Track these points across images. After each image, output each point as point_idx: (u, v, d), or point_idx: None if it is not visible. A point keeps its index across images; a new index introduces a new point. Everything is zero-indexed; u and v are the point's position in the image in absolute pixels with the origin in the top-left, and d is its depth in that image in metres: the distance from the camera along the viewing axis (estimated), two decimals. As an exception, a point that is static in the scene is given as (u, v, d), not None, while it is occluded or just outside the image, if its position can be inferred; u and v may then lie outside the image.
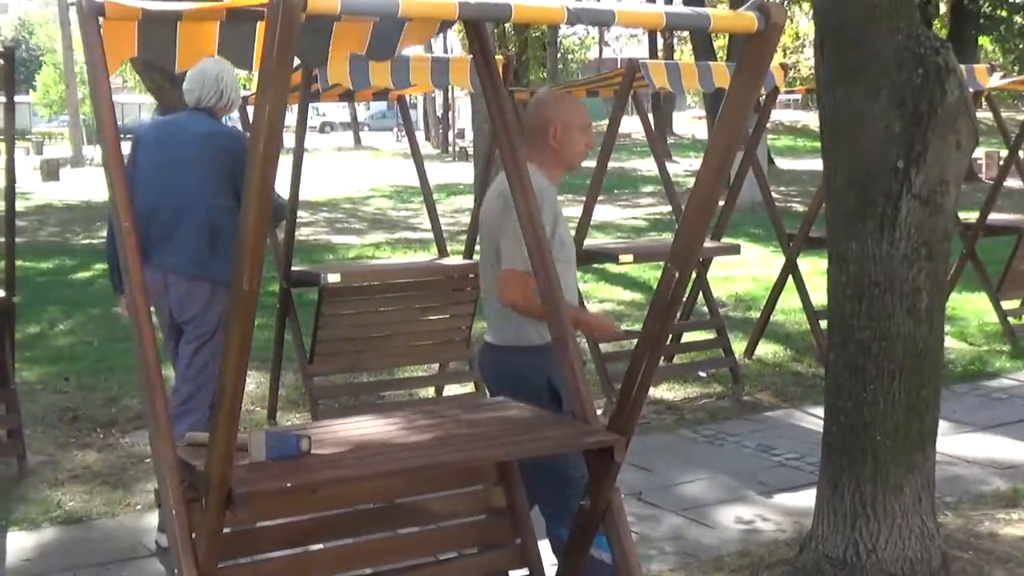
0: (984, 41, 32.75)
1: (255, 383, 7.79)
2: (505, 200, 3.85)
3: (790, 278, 8.81)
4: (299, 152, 6.92)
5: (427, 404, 7.24)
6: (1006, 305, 9.74)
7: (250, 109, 7.15)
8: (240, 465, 2.93)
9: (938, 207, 4.41)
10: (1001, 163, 12.54)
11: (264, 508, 3.24)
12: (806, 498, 5.12)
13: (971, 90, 8.53)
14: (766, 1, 2.70)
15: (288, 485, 2.96)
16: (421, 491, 3.59)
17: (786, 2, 35.32)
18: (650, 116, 11.89)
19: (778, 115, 47.64)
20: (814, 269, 9.88)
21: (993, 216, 10.04)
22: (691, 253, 3.03)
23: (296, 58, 2.84)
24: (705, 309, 8.81)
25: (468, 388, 7.63)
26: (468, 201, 19.48)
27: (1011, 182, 12.31)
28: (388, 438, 3.36)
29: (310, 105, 7.30)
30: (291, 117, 7.95)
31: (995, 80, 9.54)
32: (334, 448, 3.19)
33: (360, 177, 31.56)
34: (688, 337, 8.70)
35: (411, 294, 7.29)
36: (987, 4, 28.25)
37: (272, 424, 6.95)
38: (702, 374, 8.34)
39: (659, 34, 39.09)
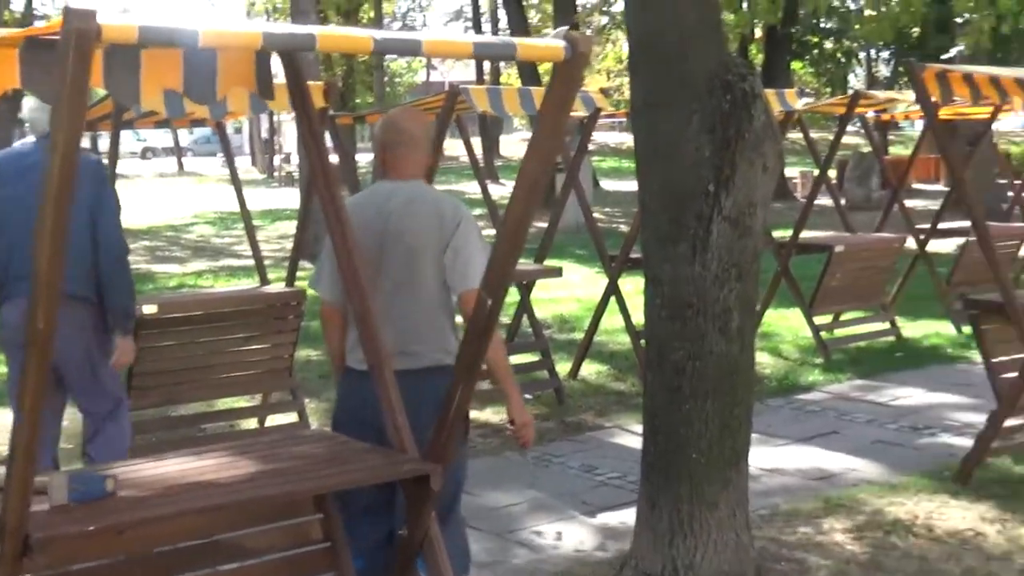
0: (797, 66, 34.01)
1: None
2: (466, 219, 4.12)
3: (612, 299, 8.96)
4: (112, 179, 6.71)
5: (247, 436, 7.09)
6: (818, 320, 10.09)
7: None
8: (39, 510, 2.81)
9: (747, 229, 4.53)
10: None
11: (68, 553, 3.11)
12: (629, 516, 5.18)
13: (783, 110, 8.89)
14: (573, 31, 2.73)
15: (91, 528, 2.85)
16: (238, 526, 3.50)
17: (609, 26, 36.06)
18: (478, 139, 11.94)
19: (604, 137, 48.48)
20: (636, 289, 10.00)
21: (805, 234, 10.41)
22: (503, 279, 3.04)
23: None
24: (532, 331, 8.88)
25: (292, 417, 7.51)
26: (293, 227, 19.21)
27: (823, 200, 12.75)
28: (200, 474, 3.28)
29: (132, 130, 7.10)
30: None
31: (804, 102, 9.92)
32: (143, 487, 3.10)
33: (183, 203, 30.87)
34: (513, 360, 8.73)
35: (231, 323, 7.14)
36: (799, 31, 29.36)
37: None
38: (527, 396, 8.38)
39: (484, 58, 39.39)
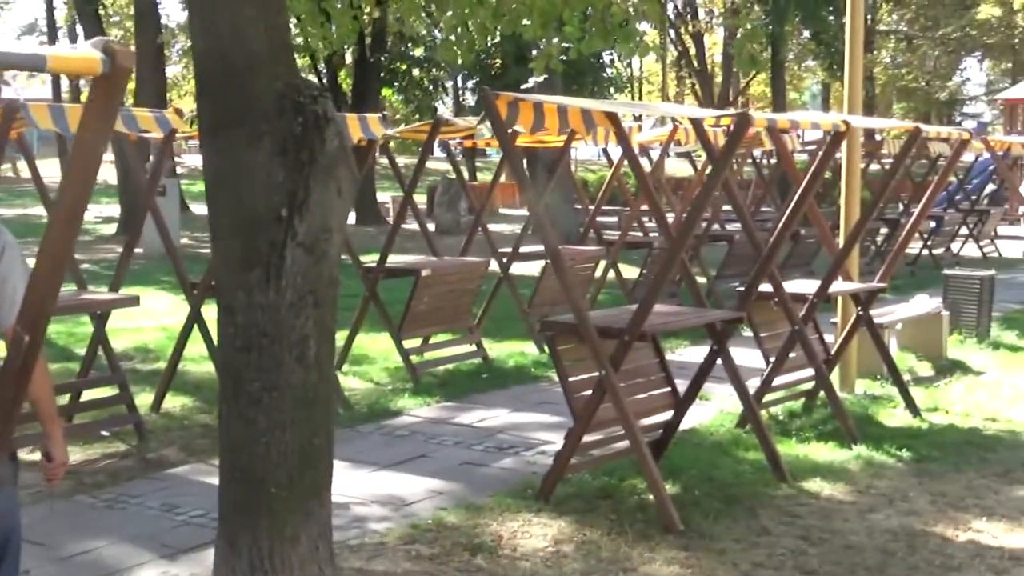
0: (388, 93, 34.54)
1: None
2: (10, 245, 3.55)
3: (196, 327, 8.61)
4: None
5: None
6: (408, 344, 10.17)
7: None
8: None
9: (323, 254, 4.41)
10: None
11: None
12: (212, 557, 4.92)
13: (364, 137, 8.89)
14: (110, 41, 2.50)
15: None
16: None
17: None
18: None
19: (195, 160, 47.22)
20: (222, 317, 9.74)
21: (395, 258, 10.48)
22: (41, 314, 2.75)
23: None
24: (109, 364, 8.37)
25: None
26: None
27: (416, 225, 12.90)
28: None
29: None
30: None
31: (391, 130, 9.98)
32: None
33: None
34: (89, 395, 8.22)
35: None
36: (388, 58, 29.80)
37: None
38: (104, 433, 7.89)
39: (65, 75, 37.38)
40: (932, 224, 19.73)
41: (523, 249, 11.86)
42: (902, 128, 10.14)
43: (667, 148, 14.23)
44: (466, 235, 11.84)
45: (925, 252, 19.50)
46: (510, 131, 6.64)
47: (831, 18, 32.68)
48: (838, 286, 8.35)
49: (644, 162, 15.35)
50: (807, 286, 8.58)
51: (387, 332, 10.16)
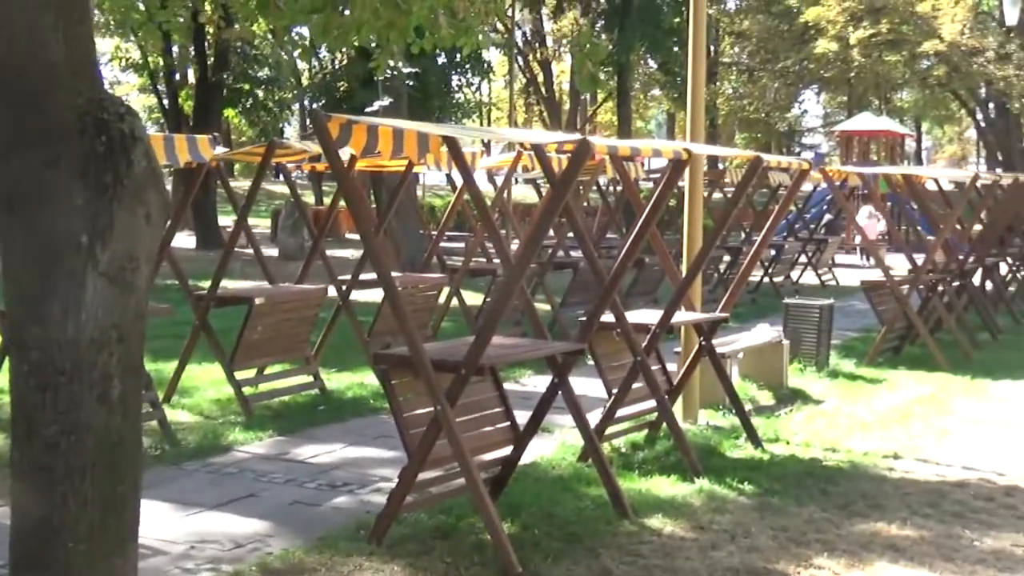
0: (231, 114, 33.78)
1: None
2: None
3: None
4: None
5: None
6: (242, 375, 9.75)
7: None
8: None
9: (128, 286, 4.05)
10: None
11: None
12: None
13: (192, 160, 8.48)
14: None
15: None
16: None
17: None
18: None
19: None
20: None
21: (233, 284, 10.05)
22: None
23: None
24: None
25: None
26: None
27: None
28: None
29: None
30: None
31: (219, 151, 9.56)
32: None
33: None
34: None
35: None
36: (231, 77, 29.11)
37: None
38: None
39: None
40: (772, 252, 20.07)
41: (363, 276, 11.53)
42: (743, 157, 10.18)
43: (512, 174, 14.09)
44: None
45: (766, 280, 19.80)
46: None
47: (676, 48, 33.25)
48: (681, 316, 8.25)
49: (490, 189, 15.21)
50: (650, 316, 8.47)
51: (218, 362, 9.72)
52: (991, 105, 45.61)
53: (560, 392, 6.83)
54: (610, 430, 8.05)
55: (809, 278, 21.94)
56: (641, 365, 7.72)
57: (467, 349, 6.02)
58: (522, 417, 6.78)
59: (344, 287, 11.24)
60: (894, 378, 11.60)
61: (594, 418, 7.50)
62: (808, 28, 46.21)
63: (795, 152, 54.21)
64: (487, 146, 15.93)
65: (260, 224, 34.70)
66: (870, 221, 28.25)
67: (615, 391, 7.91)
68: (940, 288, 13.45)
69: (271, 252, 26.20)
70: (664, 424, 8.28)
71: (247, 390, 9.70)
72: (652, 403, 8.18)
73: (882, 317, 12.95)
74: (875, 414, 9.70)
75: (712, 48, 49.32)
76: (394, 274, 12.53)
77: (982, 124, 47.43)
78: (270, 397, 9.98)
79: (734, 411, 8.94)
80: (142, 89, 38.51)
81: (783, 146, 56.72)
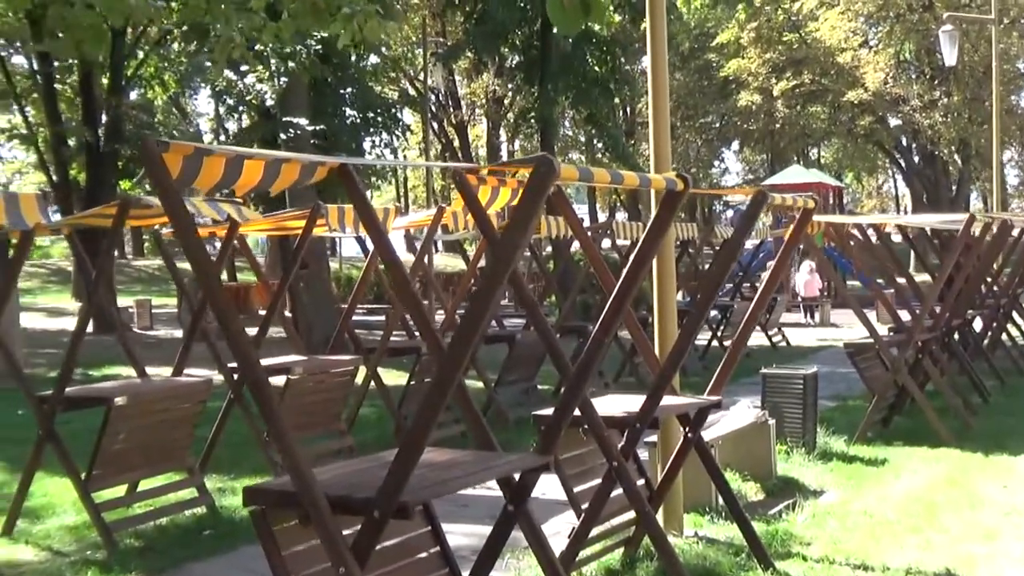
0: (126, 185, 31.58)
1: None
2: None
3: None
4: None
5: None
6: (106, 495, 7.69)
7: None
8: None
9: None
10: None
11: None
12: None
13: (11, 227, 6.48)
14: None
15: None
16: None
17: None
18: None
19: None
20: None
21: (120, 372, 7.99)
22: None
23: None
24: None
25: None
26: None
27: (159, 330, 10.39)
28: None
29: None
30: None
31: (55, 216, 7.56)
32: None
33: None
34: None
35: None
36: (125, 148, 26.95)
37: None
38: None
39: None
40: (715, 314, 18.55)
41: (264, 361, 9.49)
42: (746, 191, 8.41)
43: (433, 234, 12.21)
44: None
45: (715, 344, 18.19)
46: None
47: (600, 100, 31.79)
48: (663, 403, 6.35)
49: (410, 258, 13.25)
50: (621, 404, 6.58)
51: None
52: (917, 156, 44.75)
53: (516, 523, 4.92)
54: (581, 554, 6.16)
55: (758, 338, 20.17)
56: (618, 472, 5.83)
57: (383, 474, 4.09)
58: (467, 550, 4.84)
59: (236, 376, 9.20)
60: (895, 458, 9.80)
61: (557, 542, 5.58)
62: (729, 82, 45.19)
63: (717, 212, 52.87)
64: (404, 204, 14.06)
65: (168, 303, 32.25)
66: (812, 276, 26.84)
67: (584, 507, 6.01)
68: (929, 349, 11.69)
69: (176, 333, 23.94)
70: (644, 540, 6.42)
71: (113, 514, 7.64)
72: (630, 515, 6.31)
73: (871, 385, 11.19)
74: (894, 509, 7.86)
75: (628, 108, 48.06)
76: (299, 358, 10.68)
77: (909, 174, 46.51)
78: (143, 521, 7.88)
79: (724, 515, 7.09)
80: (36, 166, 36.09)
81: (705, 205, 55.45)
